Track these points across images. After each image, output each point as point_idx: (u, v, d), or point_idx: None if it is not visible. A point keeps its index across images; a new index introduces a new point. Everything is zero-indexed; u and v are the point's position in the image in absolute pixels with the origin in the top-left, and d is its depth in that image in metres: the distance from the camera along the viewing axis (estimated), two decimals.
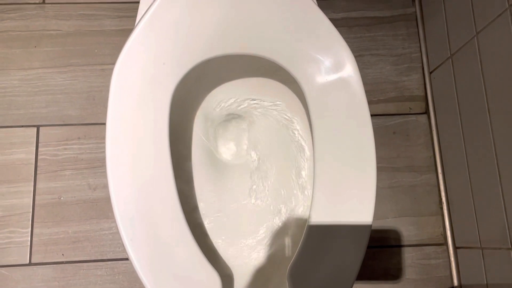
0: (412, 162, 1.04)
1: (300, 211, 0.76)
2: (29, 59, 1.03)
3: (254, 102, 0.81)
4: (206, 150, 0.80)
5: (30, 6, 1.06)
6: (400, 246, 1.00)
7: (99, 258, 0.95)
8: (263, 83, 0.78)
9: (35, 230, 0.95)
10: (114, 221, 0.96)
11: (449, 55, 0.97)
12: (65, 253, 0.95)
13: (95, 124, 1.01)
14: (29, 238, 0.95)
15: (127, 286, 0.95)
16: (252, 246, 0.76)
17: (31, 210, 0.96)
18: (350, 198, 0.62)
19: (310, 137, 0.67)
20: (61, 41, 1.05)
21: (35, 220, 0.95)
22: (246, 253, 0.75)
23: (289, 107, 0.79)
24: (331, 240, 0.61)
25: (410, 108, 1.07)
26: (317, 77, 0.66)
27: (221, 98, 0.80)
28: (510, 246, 0.79)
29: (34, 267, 0.94)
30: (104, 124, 0.63)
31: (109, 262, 0.95)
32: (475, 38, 0.86)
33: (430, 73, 1.07)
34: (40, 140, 0.99)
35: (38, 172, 0.98)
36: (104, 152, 0.97)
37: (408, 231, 1.00)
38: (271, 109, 0.80)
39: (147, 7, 0.66)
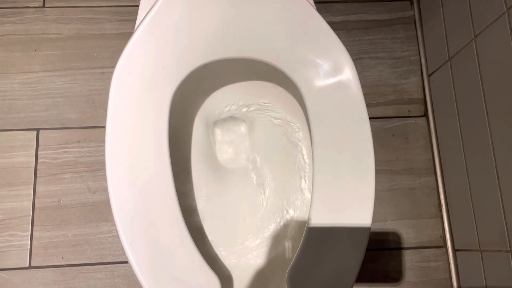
0: (411, 164, 1.04)
1: (299, 213, 0.76)
2: (29, 62, 1.03)
3: (253, 105, 0.81)
4: (205, 153, 0.80)
5: (30, 10, 1.06)
6: (400, 248, 1.00)
7: (99, 261, 0.95)
8: (262, 86, 0.78)
9: (35, 234, 0.95)
10: (114, 224, 0.96)
11: (448, 58, 0.97)
12: (64, 256, 0.95)
13: (95, 127, 1.01)
14: (29, 242, 0.95)
15: None
16: (251, 248, 0.76)
17: (31, 213, 0.96)
18: (349, 201, 0.62)
19: (309, 140, 0.67)
20: (61, 45, 1.05)
21: (35, 223, 0.95)
22: (245, 255, 0.76)
23: (288, 110, 0.79)
24: (330, 243, 0.61)
25: (409, 111, 1.07)
26: (316, 81, 0.66)
27: (220, 102, 0.81)
28: (509, 249, 0.79)
29: (34, 271, 0.94)
30: (104, 127, 0.63)
31: (109, 265, 0.95)
32: (473, 41, 0.87)
33: (429, 76, 1.07)
34: (40, 144, 0.99)
35: (38, 175, 0.98)
36: (103, 155, 0.97)
37: (407, 234, 1.01)
38: (270, 112, 0.81)
39: (147, 11, 0.67)
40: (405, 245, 1.00)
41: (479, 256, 0.89)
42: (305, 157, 0.78)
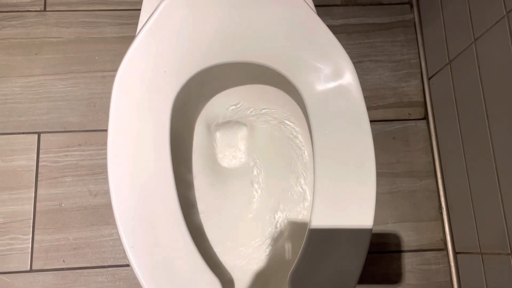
0: (412, 167, 1.04)
1: (300, 216, 0.77)
2: (30, 66, 1.04)
3: (254, 109, 0.81)
4: (206, 157, 0.80)
5: (31, 14, 1.07)
6: (400, 251, 1.00)
7: (100, 264, 0.95)
8: (263, 90, 0.78)
9: (36, 237, 0.95)
10: (115, 228, 0.96)
11: (448, 61, 0.98)
12: (66, 259, 0.95)
13: (96, 130, 1.01)
14: (30, 245, 0.95)
15: None
16: (252, 251, 0.76)
17: (32, 216, 0.96)
18: (350, 203, 0.62)
19: (310, 143, 0.67)
20: (62, 48, 1.05)
21: (36, 226, 0.96)
22: (247, 258, 0.76)
23: (289, 114, 0.79)
24: (331, 245, 0.61)
25: (409, 114, 1.07)
26: (316, 85, 0.66)
27: (222, 105, 0.81)
28: (510, 252, 0.79)
29: (35, 274, 0.94)
30: (105, 130, 0.63)
31: (110, 269, 0.95)
32: (473, 44, 0.87)
33: (429, 79, 1.07)
34: (41, 147, 1.00)
35: (39, 178, 0.98)
36: (104, 158, 0.97)
37: (408, 237, 1.01)
38: (271, 116, 0.81)
39: (149, 15, 0.67)
40: (405, 247, 1.00)
41: (479, 259, 0.89)
42: (306, 160, 0.78)
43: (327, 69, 0.66)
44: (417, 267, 0.99)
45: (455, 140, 0.96)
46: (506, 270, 0.81)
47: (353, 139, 0.64)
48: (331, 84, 0.66)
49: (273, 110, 0.81)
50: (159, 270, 0.59)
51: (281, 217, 0.77)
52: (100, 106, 1.03)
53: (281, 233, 0.76)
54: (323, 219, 0.62)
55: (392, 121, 1.07)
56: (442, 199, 1.02)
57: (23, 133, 1.00)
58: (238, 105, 0.81)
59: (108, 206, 0.98)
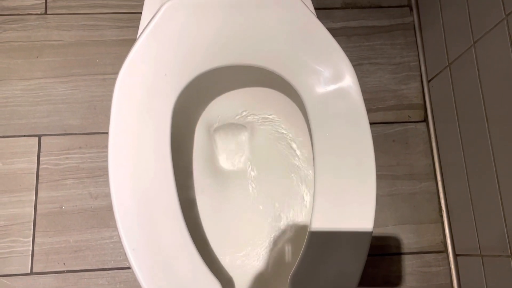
0: (412, 170, 1.04)
1: (300, 218, 0.77)
2: (31, 69, 1.04)
3: (255, 111, 0.82)
4: (207, 160, 0.80)
5: (32, 17, 1.07)
6: (400, 253, 1.00)
7: (100, 267, 0.95)
8: (264, 93, 0.78)
9: (36, 240, 0.95)
10: (115, 230, 0.96)
11: (447, 64, 0.98)
12: (66, 262, 0.95)
13: (96, 133, 1.01)
14: (31, 248, 0.95)
15: None
16: (253, 254, 0.76)
17: (33, 219, 0.96)
18: (351, 206, 0.62)
19: (310, 146, 0.68)
20: (63, 51, 1.05)
21: (36, 229, 0.96)
22: (247, 261, 0.76)
23: (289, 117, 0.79)
24: (332, 248, 0.61)
25: (409, 116, 1.08)
26: (316, 88, 0.66)
27: (222, 108, 0.81)
28: (510, 254, 0.79)
29: (36, 277, 0.94)
30: (105, 133, 0.63)
31: (110, 271, 0.95)
32: (473, 47, 0.87)
33: (429, 81, 1.08)
34: (41, 150, 1.00)
35: (39, 181, 0.98)
36: (105, 161, 0.97)
37: (408, 239, 1.01)
38: (272, 119, 0.81)
39: (149, 19, 0.67)
40: (406, 250, 1.00)
41: (480, 261, 0.89)
42: (306, 162, 0.78)
43: (327, 72, 0.67)
44: (418, 270, 0.99)
45: (455, 142, 0.96)
46: (506, 272, 0.81)
47: (353, 141, 0.64)
48: (331, 87, 0.66)
49: (273, 113, 0.81)
50: (160, 273, 0.59)
51: (281, 219, 0.77)
52: (100, 108, 1.03)
53: (281, 235, 0.77)
54: (323, 221, 0.62)
55: (392, 123, 1.07)
56: (442, 201, 1.02)
57: (24, 136, 1.00)
58: (239, 108, 0.81)
59: (109, 208, 0.98)
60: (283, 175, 0.80)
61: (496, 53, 0.80)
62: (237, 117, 0.82)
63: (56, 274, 0.94)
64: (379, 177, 0.98)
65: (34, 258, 0.94)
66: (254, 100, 0.81)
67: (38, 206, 0.97)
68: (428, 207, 1.03)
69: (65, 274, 0.94)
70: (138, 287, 0.59)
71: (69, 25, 1.07)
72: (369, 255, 0.61)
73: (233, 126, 0.82)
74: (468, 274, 0.95)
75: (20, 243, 0.95)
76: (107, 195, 0.97)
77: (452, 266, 0.99)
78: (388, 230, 1.01)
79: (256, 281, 0.74)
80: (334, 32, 1.03)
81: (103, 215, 0.97)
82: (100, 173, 0.99)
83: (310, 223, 0.62)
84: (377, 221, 1.01)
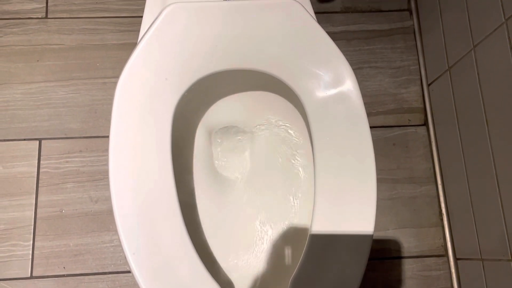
0: (412, 173, 1.04)
1: (300, 222, 0.77)
2: (31, 73, 1.04)
3: (255, 115, 0.82)
4: (207, 164, 0.80)
5: (33, 21, 1.07)
6: (401, 257, 1.00)
7: (100, 271, 0.95)
8: (264, 97, 0.79)
9: (36, 243, 0.95)
10: (115, 234, 0.96)
11: (447, 67, 0.98)
12: (66, 266, 0.95)
13: (97, 137, 1.01)
14: (31, 251, 0.95)
15: None
16: (253, 257, 0.76)
17: (33, 223, 0.96)
18: (351, 208, 0.62)
19: (310, 150, 0.68)
20: (64, 55, 1.06)
21: (36, 233, 0.96)
22: (247, 265, 0.76)
23: (289, 121, 0.79)
24: (333, 251, 0.61)
25: (409, 120, 1.08)
26: (317, 92, 0.66)
27: (222, 112, 0.81)
28: (510, 258, 0.79)
29: (35, 280, 0.94)
30: (106, 137, 0.63)
31: (110, 275, 0.95)
32: (473, 51, 0.87)
33: (429, 85, 1.08)
34: (42, 153, 1.00)
35: (39, 185, 0.98)
36: (105, 165, 0.97)
37: (408, 243, 1.01)
38: (272, 123, 0.81)
39: (150, 23, 0.67)
40: (406, 254, 1.00)
41: (480, 265, 0.89)
42: (306, 166, 0.78)
43: (327, 76, 0.67)
44: (418, 273, 0.99)
45: (455, 146, 0.96)
46: (507, 276, 0.80)
47: (353, 144, 0.65)
48: (332, 91, 0.66)
49: (273, 117, 0.81)
50: (160, 277, 0.59)
51: (281, 222, 0.77)
52: (101, 112, 1.03)
53: (281, 238, 0.77)
54: (324, 224, 0.62)
55: (392, 127, 1.07)
56: (443, 205, 1.02)
57: (24, 139, 1.00)
58: (239, 112, 0.82)
59: (109, 212, 0.98)
60: (283, 178, 0.80)
61: (496, 57, 0.80)
62: (237, 121, 0.82)
63: (56, 278, 0.94)
64: (379, 180, 0.98)
65: (34, 262, 0.94)
66: (254, 104, 0.81)
67: (38, 210, 0.97)
68: (429, 211, 1.03)
69: (65, 278, 0.94)
70: None
71: (70, 29, 1.07)
72: (369, 259, 0.61)
73: (233, 130, 0.82)
74: (468, 278, 0.95)
75: (20, 247, 0.95)
76: (108, 199, 0.97)
77: (453, 270, 0.98)
78: (388, 233, 1.01)
79: (256, 285, 0.74)
80: (334, 36, 1.03)
81: (103, 219, 0.97)
82: (101, 177, 0.99)
83: (311, 226, 0.62)
84: (377, 225, 1.01)
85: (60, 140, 1.01)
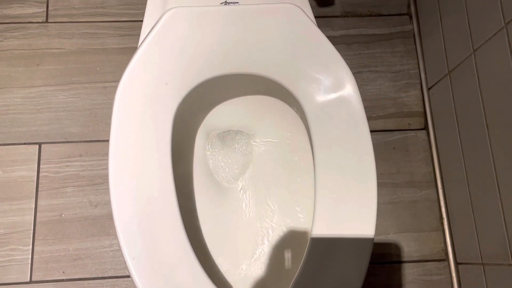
0: (412, 177, 1.04)
1: (300, 226, 0.77)
2: (31, 77, 1.04)
3: (255, 120, 0.82)
4: (207, 168, 0.80)
5: (33, 25, 1.08)
6: (401, 262, 1.00)
7: (100, 275, 0.95)
8: (265, 101, 0.79)
9: (36, 248, 0.95)
10: (115, 238, 0.96)
11: (447, 71, 0.98)
12: (66, 270, 0.94)
13: (97, 141, 1.01)
14: (30, 256, 0.94)
15: None
16: (253, 262, 0.76)
17: (32, 227, 0.96)
18: (352, 212, 0.62)
19: (310, 154, 0.68)
20: (64, 60, 1.06)
21: (36, 237, 0.95)
22: (247, 269, 0.75)
23: (290, 125, 0.79)
24: (333, 255, 0.61)
25: (409, 124, 1.08)
26: (317, 96, 0.67)
27: (223, 116, 0.81)
28: (511, 262, 0.79)
29: (35, 285, 0.93)
30: (106, 141, 0.63)
31: (110, 280, 0.95)
32: (473, 55, 0.88)
33: (429, 89, 1.08)
34: (42, 157, 1.00)
35: (39, 189, 0.98)
36: (105, 169, 0.97)
37: (409, 247, 1.00)
38: (272, 127, 0.81)
39: (150, 28, 0.68)
40: (406, 258, 1.00)
41: (481, 270, 0.88)
42: (306, 172, 0.78)
43: (327, 80, 0.67)
44: (419, 278, 0.99)
45: (455, 150, 0.96)
46: (507, 281, 0.80)
47: (353, 148, 0.65)
48: (332, 95, 0.66)
49: (273, 121, 0.81)
50: (160, 282, 0.58)
51: (281, 227, 0.77)
52: (101, 116, 1.03)
53: (281, 243, 0.76)
54: (324, 228, 0.62)
55: (392, 131, 1.07)
56: (443, 209, 1.02)
57: (24, 143, 1.00)
58: (239, 116, 0.82)
59: (109, 216, 0.97)
60: (282, 183, 0.80)
61: (496, 61, 0.80)
62: (237, 125, 0.82)
63: (55, 283, 0.94)
64: (379, 185, 0.97)
65: (34, 266, 0.94)
66: (254, 108, 0.81)
67: (38, 214, 0.96)
68: (429, 215, 1.02)
69: (64, 282, 0.94)
70: None
71: (70, 33, 1.08)
72: (369, 263, 0.61)
73: (233, 134, 0.82)
74: (469, 282, 0.94)
75: (20, 251, 0.94)
76: (107, 203, 0.97)
77: (454, 275, 0.98)
78: (389, 238, 1.01)
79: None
80: (334, 40, 1.04)
81: (103, 223, 0.97)
82: (100, 181, 0.99)
83: (311, 230, 0.62)
84: (377, 229, 1.01)
85: (60, 144, 1.01)
